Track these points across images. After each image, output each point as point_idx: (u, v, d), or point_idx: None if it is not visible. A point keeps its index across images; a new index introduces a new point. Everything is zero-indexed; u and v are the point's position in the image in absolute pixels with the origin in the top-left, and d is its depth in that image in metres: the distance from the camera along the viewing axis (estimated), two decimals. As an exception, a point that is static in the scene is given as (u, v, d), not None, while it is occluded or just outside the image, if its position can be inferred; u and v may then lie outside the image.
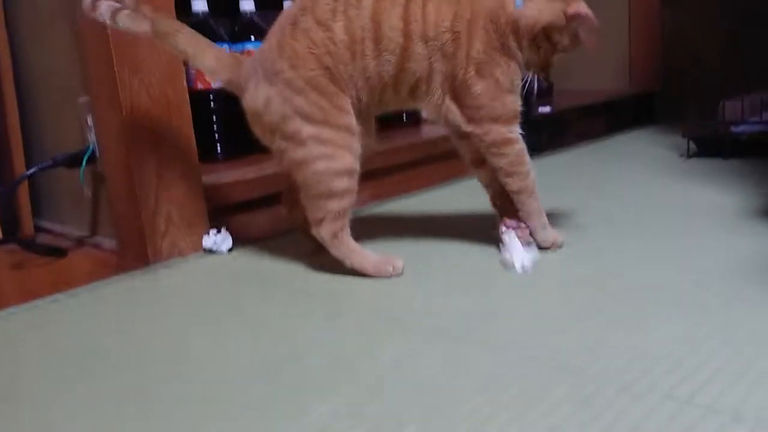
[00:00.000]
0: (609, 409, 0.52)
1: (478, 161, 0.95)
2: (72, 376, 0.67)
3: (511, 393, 0.56)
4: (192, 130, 1.06)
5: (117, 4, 0.86)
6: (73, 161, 1.11)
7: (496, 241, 0.93)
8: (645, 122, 2.18)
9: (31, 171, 1.13)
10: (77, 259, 1.11)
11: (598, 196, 1.23)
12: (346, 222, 0.88)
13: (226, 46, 1.25)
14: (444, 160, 1.44)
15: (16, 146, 1.23)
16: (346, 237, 0.89)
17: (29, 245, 1.13)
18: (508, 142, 0.89)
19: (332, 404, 0.57)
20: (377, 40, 0.84)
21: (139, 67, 0.98)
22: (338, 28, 0.83)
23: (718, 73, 1.95)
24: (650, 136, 1.93)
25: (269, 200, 1.15)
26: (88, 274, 0.99)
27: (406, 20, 0.84)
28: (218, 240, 1.05)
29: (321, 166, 0.85)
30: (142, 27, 0.86)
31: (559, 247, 0.93)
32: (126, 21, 0.86)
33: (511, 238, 0.89)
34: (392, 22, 0.84)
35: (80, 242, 1.19)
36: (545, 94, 1.73)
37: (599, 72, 2.18)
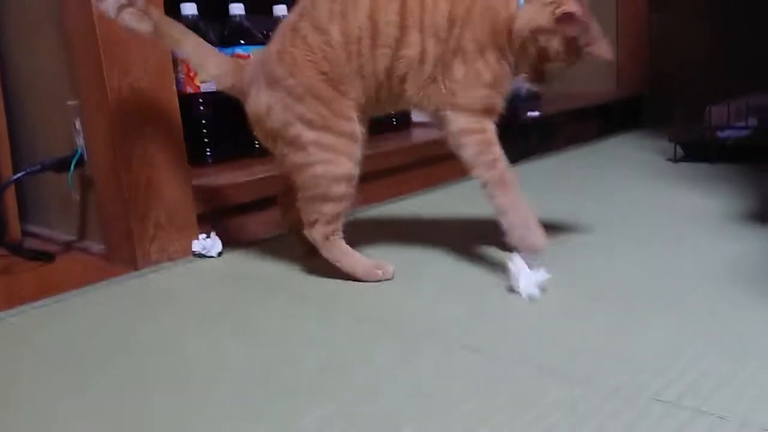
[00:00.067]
0: (598, 412, 0.53)
1: None
2: (61, 382, 0.66)
3: (502, 397, 0.57)
4: (182, 134, 1.05)
5: (124, 1, 0.85)
6: (61, 165, 1.11)
7: (498, 247, 0.92)
8: (632, 126, 2.20)
9: (19, 175, 1.13)
10: (65, 264, 1.10)
11: (585, 200, 1.24)
12: (340, 226, 0.89)
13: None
14: (434, 164, 1.45)
15: (4, 150, 1.22)
16: (338, 240, 0.89)
17: (17, 250, 1.13)
18: (469, 132, 0.85)
19: (326, 408, 0.57)
20: (374, 37, 0.83)
21: (128, 70, 0.98)
22: (334, 30, 0.83)
23: (705, 78, 1.98)
24: (638, 140, 1.94)
25: (260, 204, 1.15)
26: (76, 279, 0.98)
27: (402, 15, 0.83)
28: (208, 244, 1.04)
29: (320, 170, 0.85)
30: (144, 27, 0.86)
31: (539, 253, 0.83)
32: (129, 19, 0.86)
33: (514, 261, 0.80)
34: (389, 17, 0.83)
35: (68, 247, 1.18)
36: (534, 98, 1.74)
37: (587, 76, 2.20)
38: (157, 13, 0.88)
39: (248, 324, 0.78)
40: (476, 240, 0.98)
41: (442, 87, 0.86)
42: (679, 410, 0.52)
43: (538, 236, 0.85)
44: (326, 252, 0.89)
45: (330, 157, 0.85)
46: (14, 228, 1.23)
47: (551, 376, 0.60)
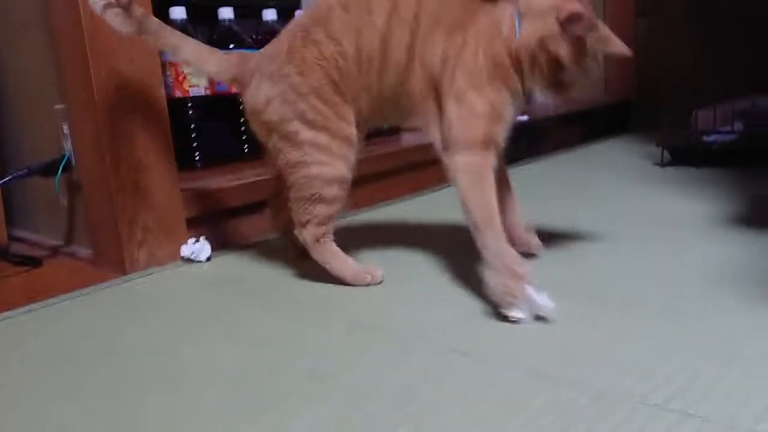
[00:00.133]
0: (586, 416, 0.53)
1: None
2: (53, 385, 0.66)
3: (492, 400, 0.57)
4: (170, 138, 1.05)
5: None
6: (48, 170, 1.10)
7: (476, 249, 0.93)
8: (620, 131, 2.22)
9: (5, 179, 1.12)
10: (52, 269, 1.09)
11: (574, 205, 1.25)
12: (331, 228, 0.89)
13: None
14: (424, 168, 1.45)
15: (-10, 154, 1.21)
16: (329, 242, 0.89)
17: (3, 254, 1.12)
18: (461, 168, 0.80)
19: (317, 411, 0.57)
20: (384, 59, 0.83)
21: (117, 73, 0.98)
22: (348, 43, 0.84)
23: (692, 83, 1.99)
24: (625, 145, 1.96)
25: (249, 208, 1.15)
26: (63, 284, 0.97)
27: (410, 48, 0.82)
28: (197, 249, 1.04)
29: (314, 170, 0.85)
30: (127, 28, 0.86)
31: (509, 306, 0.73)
32: (113, 18, 0.85)
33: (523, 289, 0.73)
34: (400, 48, 0.82)
35: (55, 251, 1.17)
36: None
37: (575, 81, 2.21)
38: (156, 21, 0.88)
39: (239, 328, 0.78)
40: (464, 244, 0.98)
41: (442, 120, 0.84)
42: (667, 413, 0.53)
43: (514, 284, 0.74)
44: (316, 254, 0.89)
45: (325, 158, 0.85)
46: (1, 232, 1.22)
47: (540, 379, 0.60)
